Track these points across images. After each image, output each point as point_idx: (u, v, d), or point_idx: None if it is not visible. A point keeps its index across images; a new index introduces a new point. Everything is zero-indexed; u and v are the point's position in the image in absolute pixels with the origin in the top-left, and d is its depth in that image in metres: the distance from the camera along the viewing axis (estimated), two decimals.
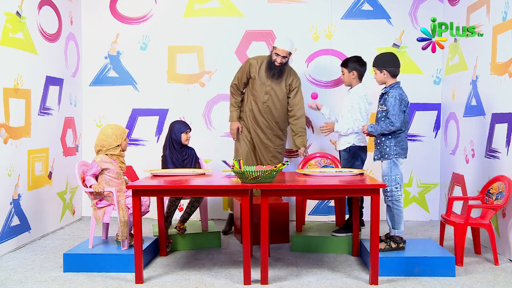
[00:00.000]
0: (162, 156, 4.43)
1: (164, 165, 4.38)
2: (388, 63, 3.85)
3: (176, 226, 4.40)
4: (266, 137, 4.95)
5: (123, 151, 4.13)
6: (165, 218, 4.27)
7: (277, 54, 4.69)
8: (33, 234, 4.65)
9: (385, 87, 3.88)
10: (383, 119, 3.82)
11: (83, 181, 4.04)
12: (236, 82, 4.95)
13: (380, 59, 3.92)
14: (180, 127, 4.45)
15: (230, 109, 5.03)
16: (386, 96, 3.82)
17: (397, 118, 3.72)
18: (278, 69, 4.76)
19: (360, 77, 4.49)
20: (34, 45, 4.69)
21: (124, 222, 3.84)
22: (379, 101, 3.90)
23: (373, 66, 3.94)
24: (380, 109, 3.86)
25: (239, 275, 3.61)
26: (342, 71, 4.55)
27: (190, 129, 4.51)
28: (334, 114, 4.70)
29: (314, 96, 4.79)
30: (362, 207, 4.54)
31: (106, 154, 4.03)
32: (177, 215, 5.12)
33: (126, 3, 5.73)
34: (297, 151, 5.00)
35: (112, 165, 4.03)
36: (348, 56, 4.67)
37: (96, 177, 4.03)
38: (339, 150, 4.54)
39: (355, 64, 4.47)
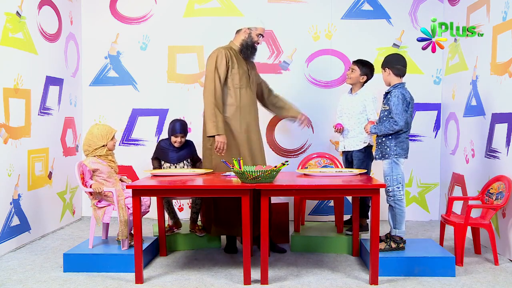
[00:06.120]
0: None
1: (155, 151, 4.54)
2: (391, 62, 3.86)
3: (193, 231, 4.43)
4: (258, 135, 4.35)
5: (110, 151, 4.09)
6: (172, 218, 4.48)
7: (261, 35, 4.25)
8: (33, 234, 4.65)
9: (389, 87, 3.88)
10: (384, 118, 3.84)
11: (83, 181, 4.04)
12: (218, 82, 4.09)
13: (386, 58, 3.94)
14: (173, 129, 4.39)
15: (215, 119, 4.03)
16: (389, 96, 3.82)
17: (400, 117, 3.73)
18: (255, 50, 4.31)
19: (365, 83, 4.48)
20: (34, 45, 4.69)
21: (124, 222, 3.84)
22: (383, 101, 3.91)
23: (381, 67, 3.96)
24: (383, 109, 3.87)
25: (239, 275, 3.62)
26: (352, 68, 4.44)
27: (185, 134, 4.43)
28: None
29: (338, 127, 4.49)
30: (369, 206, 4.49)
31: (94, 156, 4.01)
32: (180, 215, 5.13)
33: (126, 3, 5.73)
34: (295, 150, 4.96)
35: (101, 166, 4.00)
36: (358, 57, 4.57)
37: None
38: (351, 151, 4.45)
39: (368, 71, 4.44)
